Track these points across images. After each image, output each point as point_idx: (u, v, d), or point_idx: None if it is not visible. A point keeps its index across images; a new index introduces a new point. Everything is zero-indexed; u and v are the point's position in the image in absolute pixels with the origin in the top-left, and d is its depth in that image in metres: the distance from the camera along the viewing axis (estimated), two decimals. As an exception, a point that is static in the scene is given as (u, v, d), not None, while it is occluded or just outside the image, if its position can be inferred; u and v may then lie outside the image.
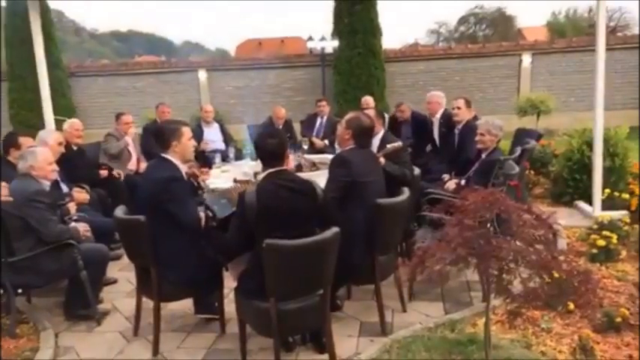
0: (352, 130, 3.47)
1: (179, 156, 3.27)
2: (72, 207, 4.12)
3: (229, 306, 3.45)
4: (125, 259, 4.76)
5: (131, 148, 6.33)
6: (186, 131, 3.31)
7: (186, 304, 3.69)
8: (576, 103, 12.81)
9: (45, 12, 12.08)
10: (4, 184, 2.63)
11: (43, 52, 6.17)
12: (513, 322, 3.04)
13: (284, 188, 2.82)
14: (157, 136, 3.33)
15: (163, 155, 3.26)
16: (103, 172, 5.71)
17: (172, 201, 3.08)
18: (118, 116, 6.42)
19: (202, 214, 3.21)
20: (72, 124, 5.68)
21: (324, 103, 7.90)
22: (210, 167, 5.65)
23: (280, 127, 7.39)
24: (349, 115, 3.60)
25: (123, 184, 5.76)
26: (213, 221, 3.04)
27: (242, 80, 14.13)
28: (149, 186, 3.20)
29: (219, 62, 15.82)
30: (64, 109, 12.03)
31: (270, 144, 2.89)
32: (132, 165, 6.27)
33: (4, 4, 12.53)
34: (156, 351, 3.29)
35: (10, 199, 2.62)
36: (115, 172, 5.80)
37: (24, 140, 4.35)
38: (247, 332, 3.08)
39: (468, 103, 5.49)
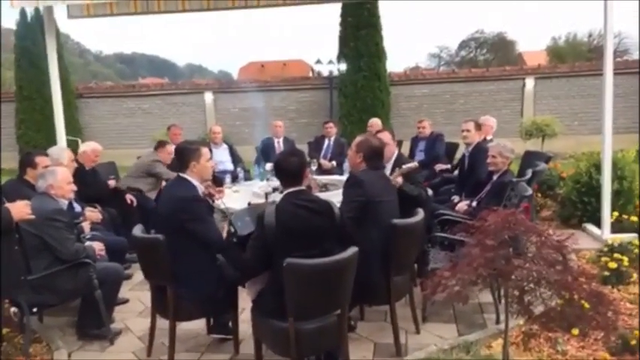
0: (363, 153, 3.50)
1: (197, 176, 3.31)
2: (86, 226, 4.14)
3: (242, 326, 3.46)
4: (135, 279, 4.79)
5: None
6: (205, 152, 3.37)
7: (199, 324, 3.69)
8: (580, 127, 12.88)
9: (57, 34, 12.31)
10: (27, 202, 2.67)
11: (57, 73, 6.23)
12: (528, 344, 3.04)
13: (303, 208, 2.84)
14: (177, 156, 3.37)
15: (182, 175, 3.30)
16: (111, 182, 5.72)
17: (195, 220, 3.10)
18: (163, 145, 6.35)
19: (225, 228, 3.23)
20: (95, 149, 5.69)
21: (331, 124, 7.98)
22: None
23: (280, 139, 7.57)
24: (358, 139, 3.61)
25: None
26: (234, 237, 3.06)
27: (248, 102, 14.20)
28: (169, 205, 3.23)
29: (226, 84, 15.97)
30: (71, 130, 12.17)
31: (292, 162, 2.93)
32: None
33: (4, 25, 12.80)
34: (170, 371, 3.27)
35: (34, 217, 2.65)
36: (127, 198, 5.74)
37: (40, 160, 4.37)
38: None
39: (478, 126, 5.56)
